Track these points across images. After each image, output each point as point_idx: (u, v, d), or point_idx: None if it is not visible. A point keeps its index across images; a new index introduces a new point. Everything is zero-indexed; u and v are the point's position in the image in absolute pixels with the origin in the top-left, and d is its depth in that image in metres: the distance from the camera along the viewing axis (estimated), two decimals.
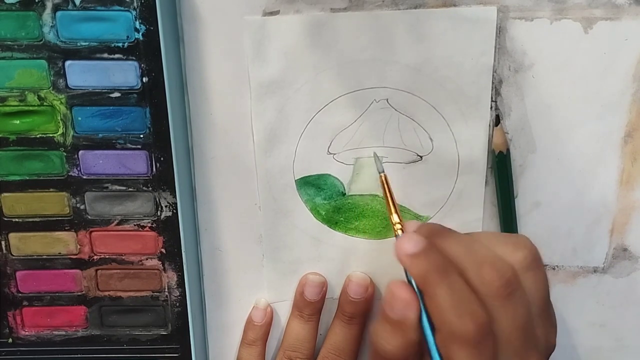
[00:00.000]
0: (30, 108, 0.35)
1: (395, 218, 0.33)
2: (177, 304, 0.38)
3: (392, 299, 0.29)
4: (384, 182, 0.35)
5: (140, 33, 0.33)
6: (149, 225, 0.37)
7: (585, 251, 0.39)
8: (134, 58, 0.34)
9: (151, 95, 0.34)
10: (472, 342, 0.27)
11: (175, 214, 0.36)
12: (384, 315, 0.30)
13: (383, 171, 0.35)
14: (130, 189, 0.36)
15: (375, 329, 0.30)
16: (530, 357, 0.28)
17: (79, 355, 0.39)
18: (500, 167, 0.37)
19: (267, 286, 0.40)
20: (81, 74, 0.34)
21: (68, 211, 0.37)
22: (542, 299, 0.29)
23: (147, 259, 0.38)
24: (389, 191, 0.34)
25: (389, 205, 0.34)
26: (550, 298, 0.32)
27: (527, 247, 0.30)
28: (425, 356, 0.29)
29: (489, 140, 0.37)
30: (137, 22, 0.33)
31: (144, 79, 0.34)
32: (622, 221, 0.38)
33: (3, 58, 0.34)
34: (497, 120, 0.36)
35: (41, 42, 0.34)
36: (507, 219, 0.38)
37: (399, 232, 0.33)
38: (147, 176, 0.36)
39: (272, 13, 0.34)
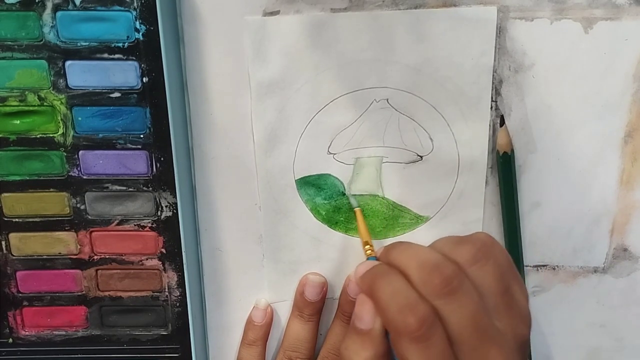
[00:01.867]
0: (31, 108, 0.35)
1: (366, 246, 0.36)
2: (178, 304, 0.38)
3: (360, 310, 0.30)
4: (359, 215, 0.37)
5: (141, 33, 0.33)
6: (149, 225, 0.37)
7: (586, 251, 0.39)
8: (134, 58, 0.34)
9: (151, 95, 0.34)
10: (417, 335, 0.27)
11: (176, 214, 0.36)
12: (353, 327, 0.30)
13: (357, 206, 0.38)
14: (130, 189, 0.36)
15: (346, 343, 0.30)
16: (489, 351, 0.28)
17: (79, 356, 0.39)
18: (505, 167, 0.37)
19: (267, 286, 0.40)
20: (81, 74, 0.34)
21: (68, 211, 0.37)
22: (498, 291, 0.29)
23: (147, 259, 0.38)
24: (363, 223, 0.37)
25: (362, 234, 0.37)
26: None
27: (470, 242, 0.30)
28: None
29: (489, 141, 0.37)
30: (137, 22, 0.33)
31: (144, 79, 0.34)
32: (622, 221, 0.38)
33: (3, 58, 0.34)
34: (502, 121, 0.36)
35: (41, 42, 0.34)
36: (511, 220, 0.38)
37: (367, 256, 0.35)
38: (147, 176, 0.36)
39: (272, 13, 0.34)
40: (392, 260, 0.31)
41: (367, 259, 0.35)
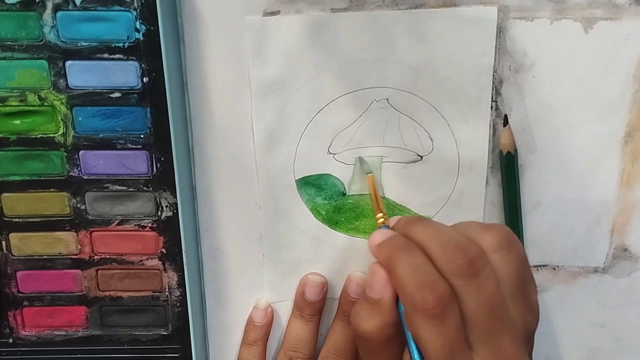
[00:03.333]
0: (31, 108, 0.35)
1: (379, 215, 0.34)
2: (178, 304, 0.38)
3: (372, 279, 0.30)
4: (371, 182, 0.36)
5: (141, 33, 0.33)
6: (150, 225, 0.37)
7: (586, 251, 0.39)
8: (134, 58, 0.34)
9: (152, 95, 0.34)
10: (433, 313, 0.27)
11: (176, 214, 0.36)
12: (363, 295, 0.31)
13: (370, 172, 0.37)
14: (130, 189, 0.36)
15: (355, 309, 0.31)
16: (503, 337, 0.28)
17: (79, 356, 0.39)
18: (508, 167, 0.37)
19: (267, 286, 0.40)
20: (82, 74, 0.34)
21: (68, 211, 0.37)
22: (516, 281, 0.29)
23: (147, 259, 0.38)
24: (375, 191, 0.36)
25: (375, 203, 0.35)
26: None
27: (496, 229, 0.30)
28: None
29: (489, 140, 0.37)
30: (138, 22, 0.33)
31: (145, 79, 0.34)
32: (623, 221, 0.38)
33: (4, 58, 0.34)
34: (506, 121, 0.36)
35: (42, 42, 0.34)
36: (514, 220, 0.38)
37: (381, 225, 0.34)
38: (148, 176, 0.36)
39: (272, 13, 0.34)
40: (412, 234, 0.30)
41: (380, 227, 0.34)
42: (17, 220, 0.37)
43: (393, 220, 0.34)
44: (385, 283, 0.30)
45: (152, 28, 0.33)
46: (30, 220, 0.37)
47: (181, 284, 0.38)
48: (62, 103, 0.35)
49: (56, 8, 0.33)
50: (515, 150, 0.36)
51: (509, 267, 0.29)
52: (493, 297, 0.28)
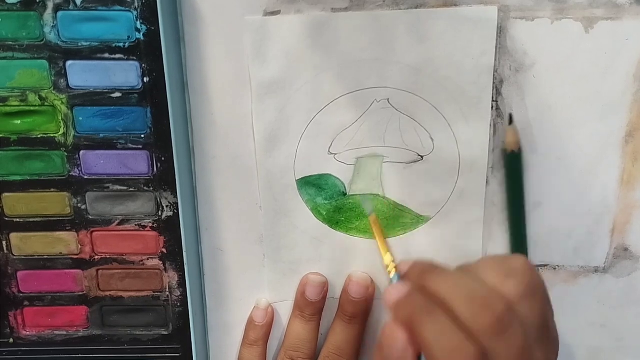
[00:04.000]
0: (32, 108, 0.35)
1: (387, 259, 0.34)
2: (178, 304, 0.38)
3: (390, 342, 0.29)
4: (374, 223, 0.36)
5: (141, 33, 0.33)
6: (150, 225, 0.37)
7: (586, 251, 0.39)
8: (135, 58, 0.34)
9: (152, 95, 0.34)
10: None
11: (176, 214, 0.36)
12: (381, 357, 0.29)
13: (372, 212, 0.36)
14: (131, 189, 0.36)
15: None
16: None
17: (80, 355, 0.39)
18: (513, 166, 0.37)
19: (268, 286, 0.40)
20: (82, 74, 0.34)
21: (69, 211, 0.37)
22: (540, 324, 0.29)
23: (148, 259, 0.38)
24: (380, 232, 0.35)
25: (381, 246, 0.35)
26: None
27: (519, 274, 0.29)
28: None
29: (490, 140, 0.37)
30: (138, 22, 0.33)
31: (145, 79, 0.34)
32: (623, 221, 0.38)
33: (4, 58, 0.34)
34: (511, 119, 0.36)
35: (42, 42, 0.34)
36: (517, 220, 0.37)
37: (392, 273, 0.34)
38: (148, 176, 0.36)
39: (273, 13, 0.34)
40: (431, 288, 0.29)
41: (391, 276, 0.33)
42: (17, 220, 0.37)
43: (404, 266, 0.32)
44: (405, 348, 0.28)
45: (153, 28, 0.33)
46: (31, 220, 0.37)
47: (182, 283, 0.38)
48: (62, 103, 0.35)
49: (57, 8, 0.33)
50: (520, 149, 0.36)
51: (533, 314, 0.28)
52: (523, 349, 0.27)
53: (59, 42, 0.34)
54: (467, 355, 0.27)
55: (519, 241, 0.38)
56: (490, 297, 0.28)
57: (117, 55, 0.34)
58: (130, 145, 0.35)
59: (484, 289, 0.28)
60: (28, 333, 0.39)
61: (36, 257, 0.38)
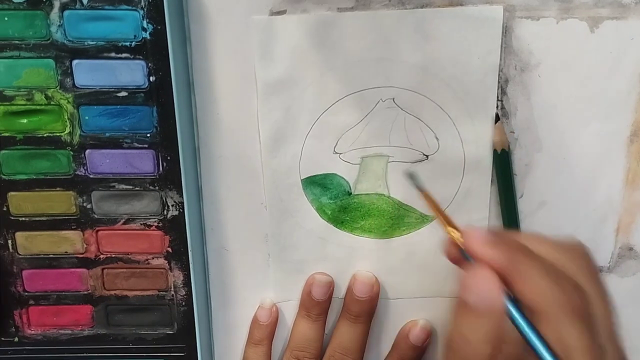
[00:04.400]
0: (38, 107, 0.35)
1: (450, 231, 0.30)
2: (183, 303, 0.38)
3: (478, 287, 0.27)
4: (427, 198, 0.33)
5: (148, 32, 0.33)
6: (156, 224, 0.37)
7: (591, 250, 0.39)
8: (141, 57, 0.34)
9: (158, 94, 0.34)
10: (583, 313, 0.26)
11: (182, 213, 0.36)
12: (462, 304, 0.27)
13: (425, 190, 0.34)
14: (136, 188, 0.36)
15: (456, 321, 0.27)
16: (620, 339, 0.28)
17: (84, 354, 0.39)
18: (504, 165, 0.37)
19: (273, 286, 0.40)
20: (88, 73, 0.34)
21: (75, 210, 0.37)
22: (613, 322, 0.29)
23: (153, 258, 0.38)
24: (437, 205, 0.33)
25: (443, 219, 0.31)
26: None
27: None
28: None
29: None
30: (145, 22, 0.33)
31: (151, 78, 0.34)
32: (628, 220, 0.38)
33: (11, 57, 0.34)
34: (497, 118, 0.36)
35: (49, 42, 0.34)
36: (512, 219, 0.38)
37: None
38: (154, 175, 0.36)
39: (279, 13, 0.35)
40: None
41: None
42: (23, 219, 0.37)
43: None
44: (496, 290, 0.26)
45: (159, 27, 0.33)
46: (37, 219, 0.37)
47: (187, 283, 0.38)
48: (68, 102, 0.35)
49: (63, 7, 0.33)
50: (509, 147, 0.36)
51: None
52: (612, 314, 0.28)
53: (65, 41, 0.34)
54: (579, 289, 0.26)
55: None
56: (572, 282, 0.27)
57: (123, 55, 0.34)
58: (136, 145, 0.35)
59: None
60: (33, 332, 0.39)
61: (42, 256, 0.38)
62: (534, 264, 0.26)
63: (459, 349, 0.27)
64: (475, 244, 0.28)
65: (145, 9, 0.33)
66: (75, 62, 0.34)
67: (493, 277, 0.26)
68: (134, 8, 0.33)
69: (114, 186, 0.36)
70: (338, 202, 0.38)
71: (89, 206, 0.37)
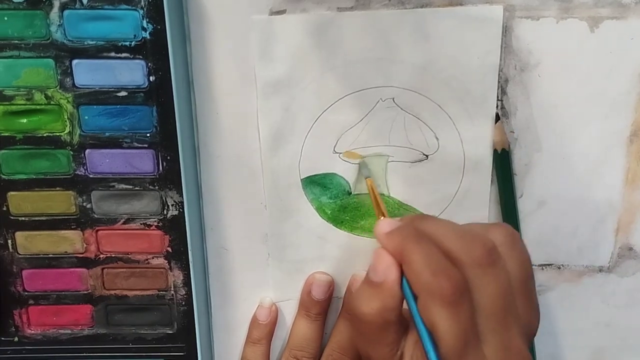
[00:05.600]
0: (37, 107, 0.35)
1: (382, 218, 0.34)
2: (183, 303, 0.38)
3: (376, 262, 0.30)
4: (371, 186, 0.36)
5: (148, 32, 0.33)
6: (155, 224, 0.37)
7: (591, 250, 0.39)
8: (141, 57, 0.34)
9: (158, 94, 0.34)
10: (450, 300, 0.27)
11: (182, 213, 0.36)
12: (365, 279, 0.31)
13: (369, 176, 0.37)
14: (136, 188, 0.36)
15: (356, 292, 0.31)
16: (512, 329, 0.28)
17: (84, 354, 0.39)
18: (502, 165, 0.37)
19: (272, 285, 0.40)
20: (88, 73, 0.34)
21: (74, 210, 0.37)
22: (523, 279, 0.30)
23: (153, 258, 0.38)
24: (376, 195, 0.35)
25: (377, 208, 0.35)
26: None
27: (502, 226, 0.31)
28: (409, 333, 0.30)
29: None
30: (145, 21, 0.33)
31: (151, 78, 0.34)
32: (628, 220, 0.38)
33: (10, 57, 0.34)
34: (497, 118, 0.36)
35: (48, 41, 0.34)
36: (512, 219, 0.38)
37: None
38: (154, 175, 0.36)
39: (278, 12, 0.35)
40: (423, 228, 0.30)
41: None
42: (23, 218, 0.37)
43: (397, 219, 0.33)
44: (389, 266, 0.30)
45: (159, 27, 0.33)
46: (36, 219, 0.37)
47: (186, 282, 0.38)
48: (68, 102, 0.35)
49: (63, 7, 0.33)
50: (509, 147, 0.36)
51: (516, 263, 0.29)
52: (506, 289, 0.28)
53: (65, 41, 0.34)
54: (453, 277, 0.28)
55: None
56: (479, 235, 0.29)
57: (123, 54, 0.34)
58: (136, 144, 0.35)
59: (472, 229, 0.30)
60: (33, 332, 0.39)
61: (41, 255, 0.38)
62: (418, 252, 0.29)
63: (354, 318, 0.30)
64: (378, 233, 0.31)
65: (145, 9, 0.33)
66: (75, 61, 0.34)
67: (388, 258, 0.30)
68: (133, 8, 0.33)
69: (113, 186, 0.36)
70: (338, 202, 0.38)
71: (88, 206, 0.37)
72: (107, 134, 0.35)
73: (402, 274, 0.29)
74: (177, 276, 0.38)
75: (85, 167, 0.36)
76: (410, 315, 0.29)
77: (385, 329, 0.30)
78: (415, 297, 0.29)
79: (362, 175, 0.37)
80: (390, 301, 0.29)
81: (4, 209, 0.37)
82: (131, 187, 0.36)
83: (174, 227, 0.37)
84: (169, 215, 0.37)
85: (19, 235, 0.37)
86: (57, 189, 0.36)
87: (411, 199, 0.38)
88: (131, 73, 0.34)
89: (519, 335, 0.28)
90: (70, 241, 0.37)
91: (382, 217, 0.34)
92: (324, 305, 0.39)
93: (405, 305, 0.30)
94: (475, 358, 0.28)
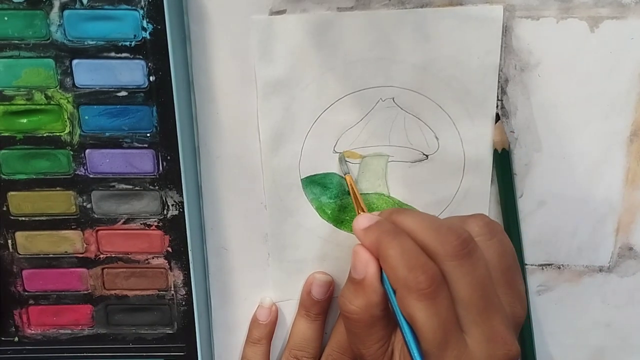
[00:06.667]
0: (37, 107, 0.35)
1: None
2: (183, 303, 0.38)
3: (355, 260, 0.31)
4: (350, 183, 0.37)
5: (148, 32, 0.33)
6: (155, 224, 0.37)
7: (591, 250, 0.39)
8: (141, 57, 0.34)
9: (158, 94, 0.34)
10: (426, 292, 0.28)
11: (182, 213, 0.36)
12: (348, 277, 0.31)
13: (348, 173, 0.37)
14: (136, 188, 0.36)
15: (342, 291, 0.32)
16: (494, 318, 0.28)
17: (84, 354, 0.39)
18: (503, 165, 0.37)
19: (272, 285, 0.40)
20: (88, 73, 0.34)
21: (75, 210, 0.37)
22: (503, 267, 0.30)
23: (153, 258, 0.38)
24: (355, 191, 0.36)
25: (356, 202, 0.36)
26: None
27: (478, 217, 0.31)
28: (398, 329, 0.30)
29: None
30: (145, 21, 0.33)
31: (151, 78, 0.34)
32: (628, 220, 0.38)
33: (10, 57, 0.34)
34: (497, 118, 0.36)
35: (48, 41, 0.34)
36: (512, 218, 0.38)
37: None
38: (154, 175, 0.36)
39: (278, 12, 0.35)
40: (399, 221, 0.31)
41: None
42: (23, 218, 0.37)
43: (375, 213, 0.34)
44: (367, 262, 0.30)
45: (159, 27, 0.33)
46: (36, 219, 0.37)
47: (186, 282, 0.38)
48: (68, 102, 0.35)
49: (63, 7, 0.33)
50: (509, 147, 0.36)
51: (493, 253, 0.30)
52: (485, 279, 0.29)
53: (65, 41, 0.34)
54: (428, 270, 0.28)
55: (514, 239, 0.38)
56: (454, 226, 0.29)
57: (123, 54, 0.34)
58: (136, 144, 0.36)
59: (448, 221, 0.30)
60: (33, 332, 0.39)
61: (41, 255, 0.38)
62: (393, 246, 0.29)
63: (343, 317, 0.31)
64: (355, 229, 0.32)
65: (145, 9, 0.33)
66: (75, 61, 0.34)
67: (366, 255, 0.30)
68: (133, 8, 0.33)
69: (113, 186, 0.36)
70: (338, 202, 0.38)
71: (88, 206, 0.37)
72: (107, 134, 0.35)
73: (381, 269, 0.30)
74: (177, 276, 0.38)
75: (85, 167, 0.36)
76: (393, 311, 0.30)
77: (372, 325, 0.30)
78: (395, 292, 0.29)
79: (341, 171, 0.37)
80: (373, 297, 0.30)
81: (4, 209, 0.37)
82: (131, 187, 0.36)
83: (174, 227, 0.37)
84: (169, 215, 0.37)
85: (19, 235, 0.37)
86: (57, 189, 0.36)
87: (411, 199, 0.38)
88: (131, 73, 0.34)
89: (502, 324, 0.28)
90: (71, 241, 0.37)
91: (361, 212, 0.34)
92: (324, 305, 0.39)
93: None
94: (457, 349, 0.28)
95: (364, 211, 0.35)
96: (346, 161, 0.37)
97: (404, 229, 0.30)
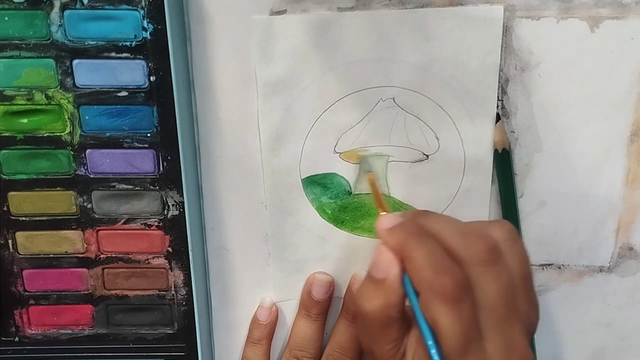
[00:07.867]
0: (38, 107, 0.35)
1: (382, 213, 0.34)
2: (184, 303, 0.38)
3: (378, 259, 0.30)
4: (372, 182, 0.36)
5: (148, 32, 0.33)
6: (156, 224, 0.37)
7: (591, 250, 0.39)
8: (141, 57, 0.34)
9: (158, 94, 0.34)
10: (452, 297, 0.27)
11: (182, 213, 0.36)
12: (368, 275, 0.31)
13: (370, 171, 0.37)
14: (137, 188, 0.36)
15: (359, 289, 0.31)
16: (514, 327, 0.28)
17: (85, 354, 0.39)
18: (503, 165, 0.37)
19: (272, 285, 0.40)
20: (89, 73, 0.34)
21: (75, 210, 0.37)
22: (524, 275, 0.30)
23: (153, 258, 0.38)
24: (377, 191, 0.36)
25: (378, 204, 0.35)
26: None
27: (501, 223, 0.31)
28: (412, 330, 0.30)
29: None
30: (145, 21, 0.33)
31: (152, 78, 0.34)
32: (628, 220, 0.38)
33: (11, 57, 0.34)
34: (498, 118, 0.36)
35: (49, 41, 0.34)
36: (512, 219, 0.38)
37: None
38: (154, 175, 0.36)
39: (279, 12, 0.35)
40: (425, 224, 0.30)
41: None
42: (23, 219, 0.37)
43: (398, 214, 0.33)
44: (390, 263, 0.30)
45: (160, 27, 0.33)
46: (37, 219, 0.37)
47: (187, 282, 0.38)
48: (69, 102, 0.35)
49: (64, 7, 0.33)
50: (510, 147, 0.36)
51: (517, 260, 0.29)
52: (509, 286, 0.28)
53: (65, 41, 0.34)
54: (455, 275, 0.28)
55: None
56: (481, 232, 0.29)
57: (124, 54, 0.34)
58: (136, 144, 0.36)
59: (474, 226, 0.30)
60: (33, 332, 0.39)
61: (42, 255, 0.38)
62: (419, 248, 0.29)
63: (357, 315, 0.31)
64: (379, 229, 0.31)
65: (145, 9, 0.33)
66: (75, 61, 0.34)
67: (389, 255, 0.30)
68: (134, 8, 0.33)
69: (114, 186, 0.36)
70: (338, 202, 0.38)
71: (89, 206, 0.37)
72: (107, 134, 0.35)
73: (403, 270, 0.29)
74: (177, 276, 0.38)
75: (85, 167, 0.36)
76: (412, 312, 0.29)
77: (387, 325, 0.30)
78: (417, 294, 0.29)
79: (362, 170, 0.37)
80: (392, 298, 0.29)
81: (5, 209, 0.37)
82: (132, 187, 0.36)
83: (175, 227, 0.37)
84: (169, 215, 0.37)
85: (20, 235, 0.37)
86: (58, 189, 0.36)
87: (411, 198, 0.38)
88: (132, 73, 0.34)
89: (521, 333, 0.28)
90: (71, 241, 0.37)
91: (384, 213, 0.33)
92: (325, 305, 0.39)
93: (407, 302, 0.30)
94: (477, 355, 0.27)
95: (385, 211, 0.34)
96: (367, 160, 0.37)
97: (430, 232, 0.30)
